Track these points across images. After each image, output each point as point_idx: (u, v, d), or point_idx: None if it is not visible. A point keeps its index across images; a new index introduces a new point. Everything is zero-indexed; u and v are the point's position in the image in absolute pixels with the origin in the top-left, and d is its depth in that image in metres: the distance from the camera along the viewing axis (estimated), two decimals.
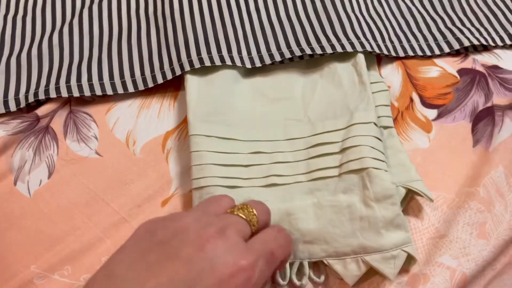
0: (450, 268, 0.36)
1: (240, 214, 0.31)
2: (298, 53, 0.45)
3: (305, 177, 0.39)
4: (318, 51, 0.44)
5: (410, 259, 0.36)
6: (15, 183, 0.41)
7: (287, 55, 0.45)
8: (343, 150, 0.39)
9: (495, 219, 0.38)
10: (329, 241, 0.36)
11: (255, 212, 0.31)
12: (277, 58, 0.45)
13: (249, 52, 0.46)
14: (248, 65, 0.45)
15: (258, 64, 0.45)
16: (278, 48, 0.46)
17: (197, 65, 0.43)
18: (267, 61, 0.45)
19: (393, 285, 0.36)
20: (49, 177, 0.41)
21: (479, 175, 0.40)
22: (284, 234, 0.32)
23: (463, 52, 0.48)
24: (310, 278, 0.37)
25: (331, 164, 0.39)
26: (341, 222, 0.36)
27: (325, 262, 0.36)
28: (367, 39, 0.46)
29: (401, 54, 0.47)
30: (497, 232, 0.38)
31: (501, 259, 0.37)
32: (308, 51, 0.44)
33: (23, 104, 0.43)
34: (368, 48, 0.44)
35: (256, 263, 0.27)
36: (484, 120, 0.44)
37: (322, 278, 0.37)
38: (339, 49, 0.44)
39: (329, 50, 0.44)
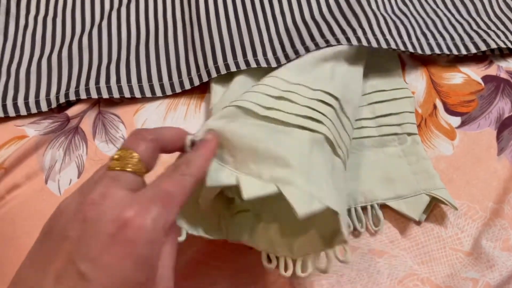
0: (473, 280, 0.37)
1: (117, 168, 0.27)
2: (323, 45, 0.43)
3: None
4: (344, 42, 0.43)
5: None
6: (46, 182, 0.42)
7: (312, 48, 0.44)
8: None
9: None
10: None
11: (134, 154, 0.27)
12: (302, 52, 0.44)
13: (274, 53, 0.46)
14: (274, 64, 0.44)
15: (283, 61, 0.44)
16: (303, 43, 0.45)
17: (223, 71, 0.43)
18: (292, 57, 0.44)
19: None
20: (78, 176, 0.42)
21: (504, 191, 0.40)
22: (182, 169, 0.28)
23: (489, 57, 0.48)
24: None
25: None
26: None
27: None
28: (392, 36, 0.45)
29: (428, 52, 0.46)
30: None
31: None
32: (334, 42, 0.43)
33: (54, 104, 0.45)
34: (393, 46, 0.44)
35: (147, 210, 0.25)
36: (509, 127, 0.43)
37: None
38: (364, 42, 0.43)
39: (354, 42, 0.43)
